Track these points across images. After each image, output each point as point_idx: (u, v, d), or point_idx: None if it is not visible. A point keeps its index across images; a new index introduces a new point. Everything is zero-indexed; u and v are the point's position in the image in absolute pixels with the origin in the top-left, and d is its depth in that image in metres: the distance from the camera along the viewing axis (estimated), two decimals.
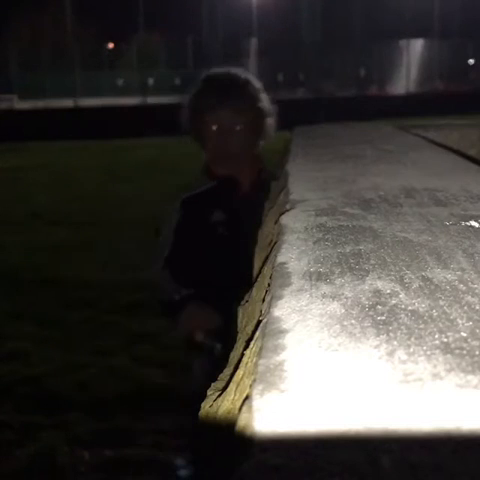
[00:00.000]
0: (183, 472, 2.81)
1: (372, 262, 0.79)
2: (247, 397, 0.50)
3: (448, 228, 0.96)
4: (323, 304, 0.65)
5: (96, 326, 4.67)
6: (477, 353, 0.52)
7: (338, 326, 0.59)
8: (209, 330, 2.00)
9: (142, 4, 26.20)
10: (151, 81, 27.39)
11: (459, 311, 0.62)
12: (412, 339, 0.55)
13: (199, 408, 0.72)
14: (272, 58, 25.57)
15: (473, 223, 0.99)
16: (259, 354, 0.54)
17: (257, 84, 2.22)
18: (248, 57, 26.34)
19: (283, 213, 1.10)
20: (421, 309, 0.63)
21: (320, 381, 0.48)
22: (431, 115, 16.90)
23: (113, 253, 6.67)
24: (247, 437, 0.44)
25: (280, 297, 0.67)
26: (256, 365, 0.52)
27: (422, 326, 0.58)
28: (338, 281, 0.72)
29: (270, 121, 2.27)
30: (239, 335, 0.89)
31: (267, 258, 0.95)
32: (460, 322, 0.59)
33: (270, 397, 0.46)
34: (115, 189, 10.66)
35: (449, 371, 0.49)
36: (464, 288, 0.69)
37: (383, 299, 0.66)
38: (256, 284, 0.95)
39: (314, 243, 0.89)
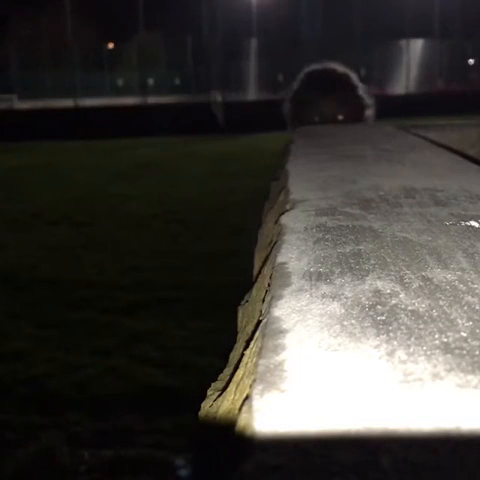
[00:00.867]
0: (183, 472, 2.81)
1: (372, 262, 0.79)
2: (247, 397, 0.50)
3: (448, 228, 0.96)
4: (323, 304, 0.65)
5: (96, 326, 4.67)
6: (477, 353, 0.52)
7: (338, 326, 0.59)
8: None
9: (142, 4, 26.19)
10: (151, 81, 27.38)
11: (459, 311, 0.62)
12: (412, 339, 0.55)
13: None
14: (272, 58, 25.56)
15: (473, 223, 0.99)
16: (259, 354, 0.54)
17: (355, 77, 2.29)
18: (248, 57, 26.34)
19: (283, 213, 1.10)
20: (421, 309, 0.63)
21: (320, 381, 0.48)
22: (431, 115, 16.90)
23: (113, 253, 6.67)
24: (247, 437, 0.44)
25: (280, 297, 0.67)
26: (256, 365, 0.52)
27: (422, 326, 0.58)
28: (338, 281, 0.72)
29: (369, 112, 2.33)
30: (239, 335, 0.89)
31: (267, 258, 0.95)
32: (460, 322, 0.59)
33: (270, 397, 0.46)
34: (115, 189, 10.65)
35: (449, 371, 0.49)
36: (464, 288, 0.69)
37: (383, 299, 0.66)
38: (256, 284, 0.95)
39: (314, 243, 0.89)
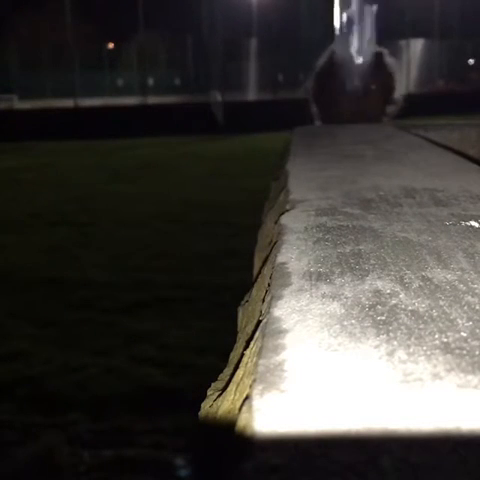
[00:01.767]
0: (183, 472, 2.81)
1: (372, 262, 0.79)
2: (247, 397, 0.50)
3: (448, 228, 0.96)
4: (323, 304, 0.65)
5: (96, 326, 4.67)
6: (477, 353, 0.52)
7: (338, 326, 0.59)
8: None
9: (142, 4, 26.18)
10: (151, 81, 27.37)
11: (459, 311, 0.62)
12: (412, 339, 0.55)
13: None
14: (272, 58, 25.55)
15: (473, 223, 0.99)
16: (259, 354, 0.54)
17: (390, 60, 2.27)
18: (248, 57, 26.33)
19: (283, 213, 1.10)
20: (421, 309, 0.63)
21: (320, 381, 0.48)
22: (431, 115, 16.89)
23: (113, 253, 6.67)
24: (247, 437, 0.44)
25: (280, 297, 0.67)
26: (256, 365, 0.52)
27: (422, 326, 0.58)
28: (338, 281, 0.72)
29: (393, 107, 2.32)
30: (239, 335, 0.89)
31: (267, 258, 0.95)
32: (460, 322, 0.59)
33: (270, 397, 0.46)
34: (115, 189, 10.65)
35: (449, 371, 0.49)
36: (464, 288, 0.69)
37: (383, 299, 0.66)
38: (256, 284, 0.95)
39: (314, 243, 0.89)
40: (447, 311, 0.62)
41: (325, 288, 0.70)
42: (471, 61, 31.36)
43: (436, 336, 0.56)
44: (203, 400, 0.73)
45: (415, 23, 28.05)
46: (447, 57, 29.63)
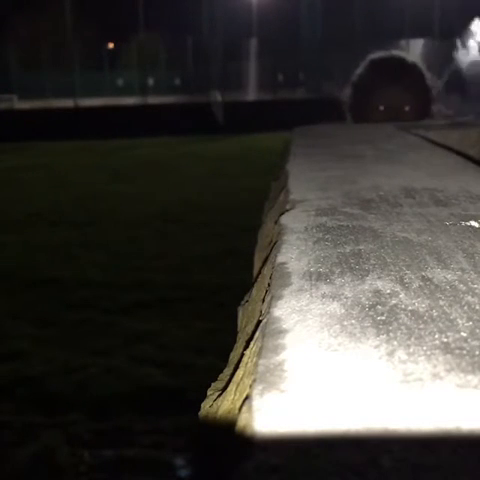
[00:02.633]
0: (183, 472, 2.81)
1: (372, 262, 0.79)
2: (247, 397, 0.50)
3: (448, 228, 0.96)
4: (323, 304, 0.65)
5: (96, 326, 4.67)
6: (477, 353, 0.52)
7: (338, 326, 0.59)
8: None
9: (142, 4, 26.19)
10: (151, 81, 27.38)
11: (459, 311, 0.62)
12: (412, 339, 0.55)
13: None
14: (272, 58, 25.56)
15: (473, 223, 0.99)
16: (259, 354, 0.54)
17: (423, 66, 2.25)
18: (248, 57, 26.34)
19: (283, 213, 1.10)
20: (421, 309, 0.63)
21: (320, 381, 0.48)
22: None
23: (113, 253, 6.67)
24: (247, 437, 0.44)
25: (280, 297, 0.67)
26: (256, 365, 0.52)
27: (422, 326, 0.58)
28: (338, 281, 0.72)
29: (435, 107, 2.30)
30: (239, 335, 0.89)
31: (267, 258, 0.95)
32: (460, 322, 0.59)
33: (270, 397, 0.46)
34: (115, 189, 10.65)
35: (449, 371, 0.49)
36: (464, 288, 0.69)
37: (383, 299, 0.66)
38: (256, 284, 0.95)
39: (314, 243, 0.89)
40: (447, 311, 0.62)
41: (325, 288, 0.70)
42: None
43: (436, 336, 0.56)
44: (203, 400, 0.73)
45: (415, 22, 28.04)
46: (447, 57, 29.59)
